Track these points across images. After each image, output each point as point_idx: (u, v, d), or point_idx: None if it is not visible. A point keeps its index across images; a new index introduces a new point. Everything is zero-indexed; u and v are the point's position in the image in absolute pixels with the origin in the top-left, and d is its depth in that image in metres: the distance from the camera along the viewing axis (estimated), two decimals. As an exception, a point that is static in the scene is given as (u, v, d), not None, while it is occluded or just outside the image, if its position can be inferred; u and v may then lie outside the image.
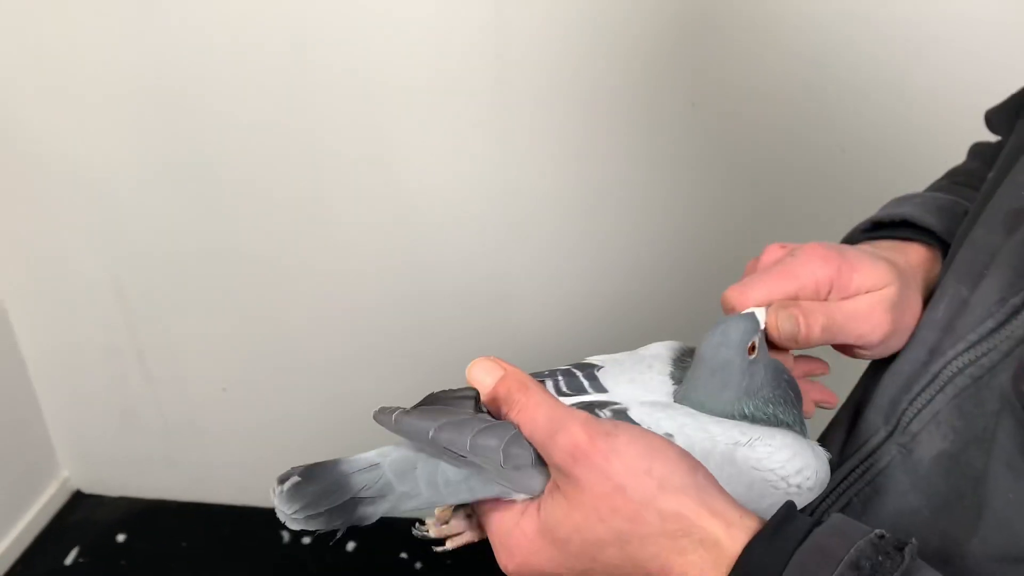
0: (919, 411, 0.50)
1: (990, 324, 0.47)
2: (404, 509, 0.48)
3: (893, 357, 0.54)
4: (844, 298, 0.53)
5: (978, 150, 0.69)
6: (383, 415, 0.47)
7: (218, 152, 1.52)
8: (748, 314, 0.52)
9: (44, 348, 1.81)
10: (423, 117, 1.43)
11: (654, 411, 0.49)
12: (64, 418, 1.89)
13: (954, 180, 0.66)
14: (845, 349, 0.55)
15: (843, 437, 0.55)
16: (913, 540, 0.41)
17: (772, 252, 0.56)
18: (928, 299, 0.55)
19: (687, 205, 1.44)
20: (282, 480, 0.47)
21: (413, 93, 1.41)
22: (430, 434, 0.46)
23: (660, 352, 0.55)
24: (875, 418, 0.53)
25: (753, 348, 0.50)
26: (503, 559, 0.47)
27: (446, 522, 0.53)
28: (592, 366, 0.54)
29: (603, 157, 1.42)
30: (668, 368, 0.53)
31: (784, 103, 1.32)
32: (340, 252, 1.59)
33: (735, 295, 0.53)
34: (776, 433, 0.50)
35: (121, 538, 1.85)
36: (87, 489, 1.97)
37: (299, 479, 0.47)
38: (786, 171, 1.37)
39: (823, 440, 0.58)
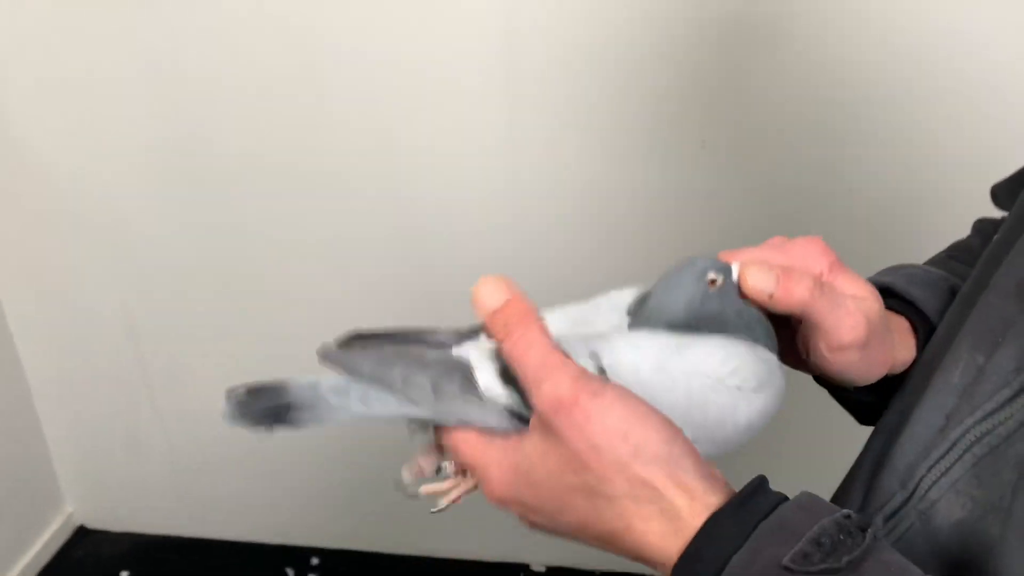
0: (938, 479, 0.49)
1: (1006, 393, 0.47)
2: (335, 420, 0.52)
3: (905, 419, 0.53)
4: None
5: (981, 227, 0.69)
6: (324, 351, 0.52)
7: (230, 181, 1.52)
8: (723, 261, 0.53)
9: (51, 379, 1.80)
10: (436, 155, 1.42)
11: (587, 338, 0.50)
12: (69, 451, 1.88)
13: (953, 255, 0.67)
14: (804, 344, 0.54)
15: (860, 500, 0.54)
16: (876, 521, 0.42)
17: (773, 241, 0.57)
18: (905, 372, 0.57)
19: (696, 244, 1.41)
20: (229, 394, 0.51)
21: (425, 109, 1.40)
22: (363, 370, 0.51)
23: (615, 298, 0.56)
24: (891, 482, 0.52)
25: (715, 283, 0.51)
26: (486, 489, 0.50)
27: (436, 470, 0.55)
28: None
29: (612, 193, 1.41)
30: (622, 308, 0.54)
31: (794, 144, 1.32)
32: (353, 285, 1.58)
33: (725, 255, 0.54)
34: (709, 338, 0.50)
35: (125, 574, 1.83)
36: (91, 524, 1.95)
37: (245, 395, 0.51)
38: (796, 211, 1.36)
39: (838, 500, 0.57)
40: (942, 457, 0.49)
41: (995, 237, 0.57)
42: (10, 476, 1.77)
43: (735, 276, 0.53)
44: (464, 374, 0.51)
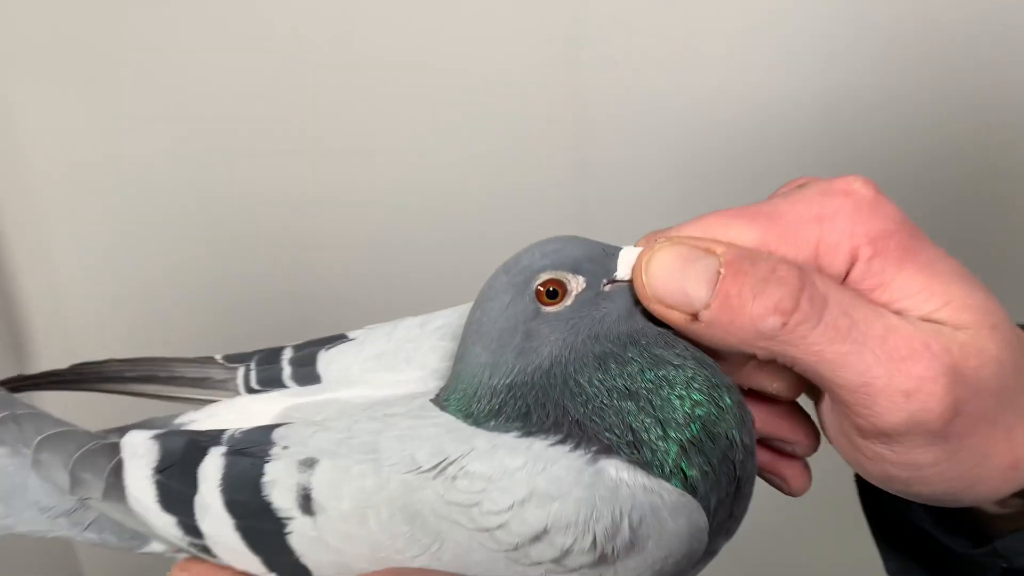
0: None
1: None
2: None
3: None
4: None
5: None
6: None
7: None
8: (592, 243, 0.28)
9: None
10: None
11: (315, 427, 0.29)
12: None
13: None
14: (818, 413, 0.29)
15: None
16: None
17: (796, 184, 0.31)
18: None
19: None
20: None
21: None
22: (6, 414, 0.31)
23: (443, 321, 0.33)
24: None
25: (559, 293, 0.27)
26: None
27: None
28: (340, 338, 0.34)
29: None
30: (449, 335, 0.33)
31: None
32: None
33: (650, 237, 0.29)
34: (510, 447, 0.25)
35: None
36: None
37: None
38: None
39: None
40: None
41: None
42: None
43: (622, 273, 0.27)
44: (117, 462, 0.30)
